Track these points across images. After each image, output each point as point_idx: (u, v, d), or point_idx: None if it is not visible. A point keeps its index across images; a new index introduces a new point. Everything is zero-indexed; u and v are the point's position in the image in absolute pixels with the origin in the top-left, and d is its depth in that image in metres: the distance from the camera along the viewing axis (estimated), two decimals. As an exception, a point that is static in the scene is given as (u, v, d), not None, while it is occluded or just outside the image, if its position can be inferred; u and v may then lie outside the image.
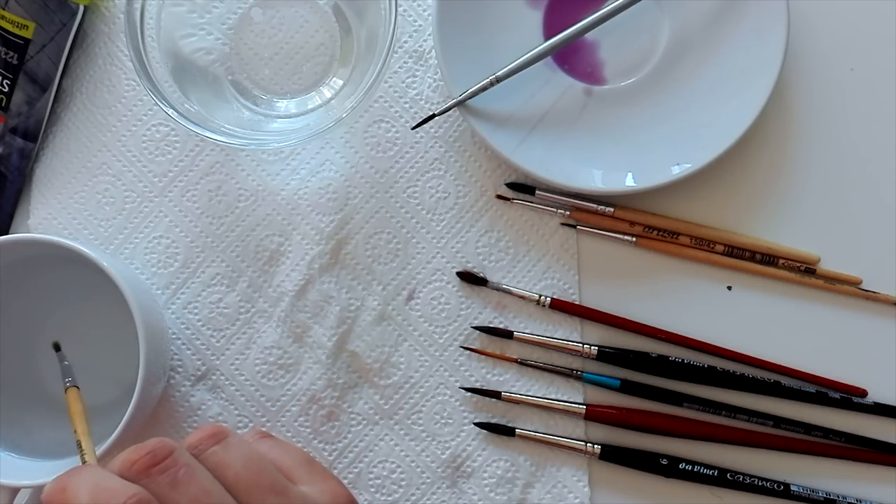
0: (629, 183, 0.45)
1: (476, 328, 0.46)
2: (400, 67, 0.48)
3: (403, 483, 0.46)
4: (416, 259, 0.47)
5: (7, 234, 0.48)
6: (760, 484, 0.44)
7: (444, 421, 0.46)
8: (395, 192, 0.47)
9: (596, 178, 0.45)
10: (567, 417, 0.46)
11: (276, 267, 0.47)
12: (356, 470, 0.46)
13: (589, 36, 0.46)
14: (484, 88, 0.44)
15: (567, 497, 0.45)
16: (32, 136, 0.48)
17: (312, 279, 0.47)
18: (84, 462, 0.35)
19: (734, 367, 0.46)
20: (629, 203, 0.47)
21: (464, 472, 0.46)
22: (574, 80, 0.47)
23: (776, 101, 0.45)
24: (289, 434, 0.46)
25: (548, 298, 0.46)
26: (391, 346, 0.46)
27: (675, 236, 0.46)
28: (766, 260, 0.46)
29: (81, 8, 0.47)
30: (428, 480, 0.46)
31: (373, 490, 0.46)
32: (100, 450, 0.39)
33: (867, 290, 0.46)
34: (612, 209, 0.46)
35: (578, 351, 0.46)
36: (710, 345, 0.46)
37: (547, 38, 0.46)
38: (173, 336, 0.47)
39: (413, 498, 0.46)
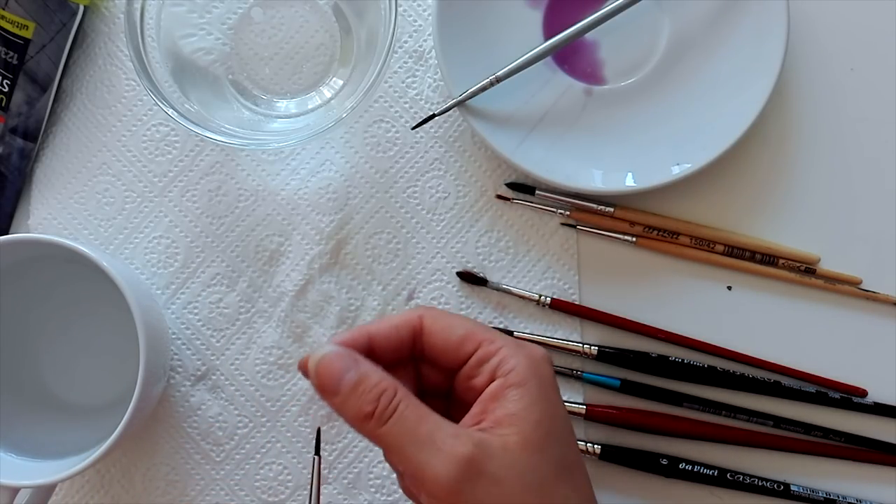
0: (629, 183, 0.45)
1: (476, 328, 0.46)
2: (400, 67, 0.48)
3: (403, 483, 0.46)
4: (416, 259, 0.47)
5: (7, 234, 0.48)
6: (760, 484, 0.44)
7: (444, 421, 0.46)
8: (395, 192, 0.47)
9: (596, 178, 0.45)
10: (567, 417, 0.46)
11: (276, 267, 0.47)
12: (356, 470, 0.46)
13: (589, 36, 0.46)
14: (484, 88, 0.44)
15: (567, 497, 0.45)
16: (32, 136, 0.48)
17: (312, 279, 0.47)
18: None
19: (734, 367, 0.46)
20: (629, 203, 0.47)
21: (464, 472, 0.46)
22: (574, 80, 0.47)
23: (776, 101, 0.45)
24: (289, 434, 0.46)
25: (548, 298, 0.46)
26: (391, 346, 0.46)
27: (675, 236, 0.46)
28: (766, 260, 0.46)
29: (81, 8, 0.47)
30: (428, 480, 0.46)
31: (373, 490, 0.46)
32: (99, 450, 0.39)
33: (867, 290, 0.46)
34: (612, 209, 0.46)
35: (578, 351, 0.46)
36: (710, 345, 0.46)
37: (547, 38, 0.46)
38: (173, 336, 0.47)
39: (413, 498, 0.46)
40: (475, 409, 0.32)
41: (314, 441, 0.34)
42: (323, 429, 0.46)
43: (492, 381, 0.32)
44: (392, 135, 0.47)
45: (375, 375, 0.31)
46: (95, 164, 0.48)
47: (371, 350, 0.33)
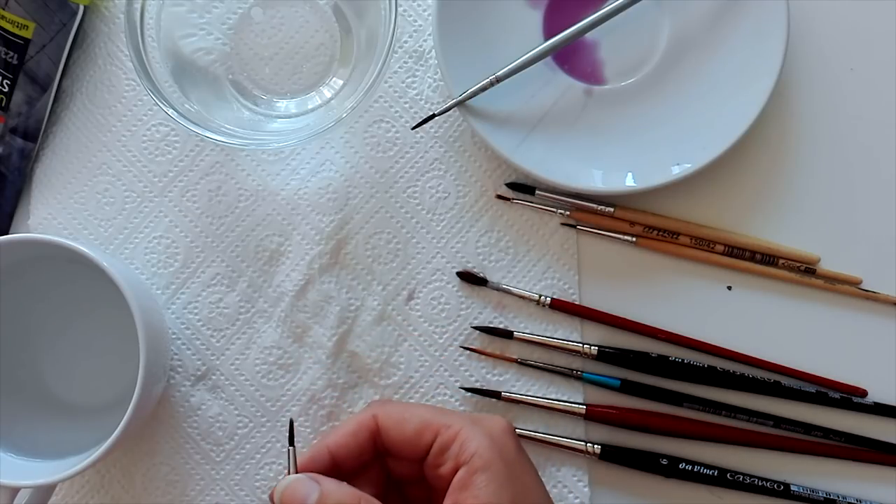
0: (629, 183, 0.45)
1: (476, 328, 0.46)
2: (400, 67, 0.48)
3: (403, 483, 0.46)
4: (416, 259, 0.47)
5: (7, 234, 0.48)
6: (760, 484, 0.44)
7: (444, 421, 0.46)
8: (395, 192, 0.47)
9: (596, 178, 0.45)
10: (567, 417, 0.46)
11: (276, 267, 0.47)
12: (356, 470, 0.46)
13: (589, 36, 0.46)
14: (484, 88, 0.44)
15: (567, 497, 0.45)
16: (32, 136, 0.48)
17: (312, 279, 0.47)
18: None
19: (734, 367, 0.46)
20: (629, 203, 0.47)
21: (464, 472, 0.46)
22: (574, 80, 0.47)
23: (776, 101, 0.45)
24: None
25: (548, 298, 0.46)
26: (391, 346, 0.46)
27: (675, 236, 0.46)
28: (766, 260, 0.46)
29: (81, 8, 0.47)
30: (428, 480, 0.46)
31: (373, 490, 0.46)
32: (99, 450, 0.39)
33: (867, 290, 0.46)
34: (612, 209, 0.46)
35: (578, 351, 0.46)
36: (710, 345, 0.46)
37: (547, 38, 0.46)
38: (173, 336, 0.47)
39: (413, 498, 0.46)
40: (447, 501, 0.32)
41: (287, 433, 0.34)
42: (322, 429, 0.46)
43: (457, 468, 0.32)
44: (392, 135, 0.47)
45: (338, 491, 0.32)
46: (95, 164, 0.48)
47: (335, 463, 0.34)
